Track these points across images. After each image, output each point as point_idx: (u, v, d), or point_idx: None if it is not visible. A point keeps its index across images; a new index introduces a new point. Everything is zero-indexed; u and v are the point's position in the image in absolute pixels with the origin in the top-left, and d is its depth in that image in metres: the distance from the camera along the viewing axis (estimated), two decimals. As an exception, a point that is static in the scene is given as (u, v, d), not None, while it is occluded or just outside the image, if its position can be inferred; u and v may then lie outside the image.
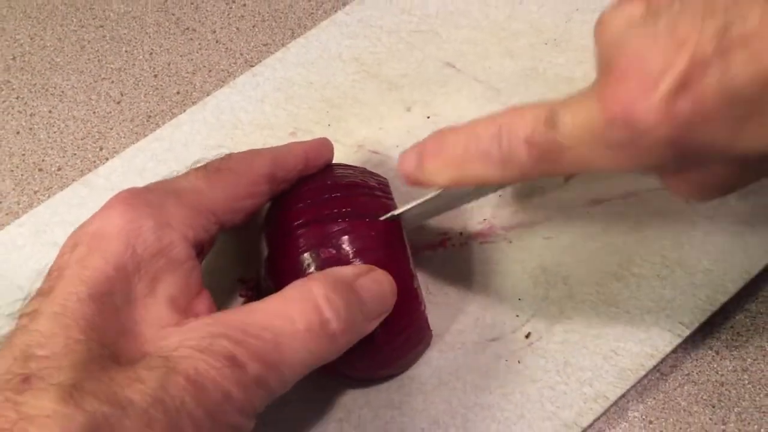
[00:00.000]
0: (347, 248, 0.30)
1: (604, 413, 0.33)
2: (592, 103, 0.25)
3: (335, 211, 0.30)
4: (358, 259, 0.30)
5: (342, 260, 0.29)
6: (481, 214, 0.38)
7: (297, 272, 0.30)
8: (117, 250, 0.26)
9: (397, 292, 0.30)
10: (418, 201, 0.32)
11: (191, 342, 0.25)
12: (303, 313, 0.26)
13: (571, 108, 0.25)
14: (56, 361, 0.24)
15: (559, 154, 0.26)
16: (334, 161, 0.35)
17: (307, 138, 0.35)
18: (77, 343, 0.24)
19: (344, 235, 0.30)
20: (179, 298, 0.28)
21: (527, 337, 0.34)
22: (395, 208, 0.32)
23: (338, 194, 0.31)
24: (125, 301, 0.26)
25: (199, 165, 0.32)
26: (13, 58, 0.46)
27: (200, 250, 0.30)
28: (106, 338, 0.25)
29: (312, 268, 0.29)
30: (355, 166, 0.34)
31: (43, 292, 0.26)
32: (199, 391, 0.24)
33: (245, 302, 0.35)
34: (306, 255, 0.30)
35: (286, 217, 0.31)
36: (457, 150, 0.29)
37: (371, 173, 0.34)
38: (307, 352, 0.26)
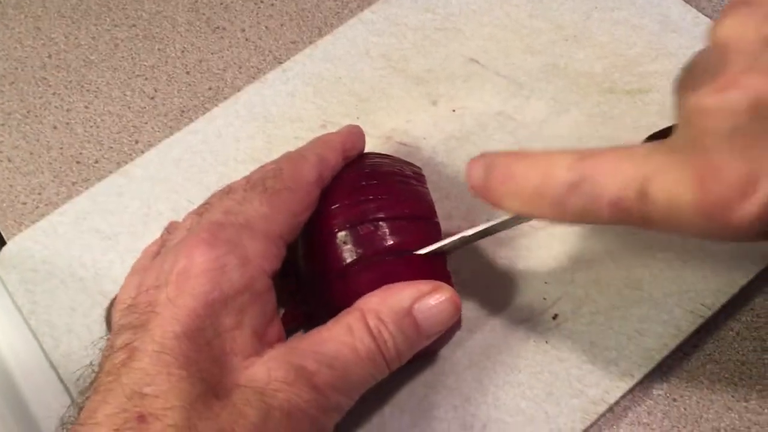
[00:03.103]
0: (384, 226, 0.31)
1: (630, 391, 0.34)
2: (687, 187, 0.24)
3: (371, 197, 0.32)
4: (395, 237, 0.31)
5: (378, 238, 0.31)
6: (507, 202, 0.39)
7: (334, 250, 0.31)
8: (204, 289, 0.27)
9: (459, 307, 0.30)
10: (463, 234, 0.32)
11: (279, 374, 0.27)
12: (363, 342, 0.29)
13: (664, 183, 0.24)
14: (166, 400, 0.25)
15: (643, 222, 0.25)
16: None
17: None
18: (181, 381, 0.26)
19: (380, 212, 0.31)
20: (260, 328, 0.29)
21: (554, 318, 0.36)
22: (430, 196, 0.33)
23: (375, 181, 0.32)
24: (214, 335, 0.27)
25: (251, 181, 0.32)
26: (49, 56, 0.47)
27: (274, 276, 0.31)
28: (202, 372, 0.26)
29: (349, 245, 0.31)
30: (390, 155, 0.36)
31: (133, 326, 0.27)
32: (293, 422, 0.27)
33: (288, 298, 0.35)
34: (343, 233, 0.31)
35: (324, 203, 0.32)
36: (529, 184, 0.27)
37: (406, 162, 0.35)
38: (370, 376, 0.29)
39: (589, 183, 0.26)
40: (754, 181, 0.22)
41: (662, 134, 0.31)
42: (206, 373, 0.26)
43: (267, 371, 0.27)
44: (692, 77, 0.26)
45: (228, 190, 0.32)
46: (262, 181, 0.32)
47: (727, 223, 0.23)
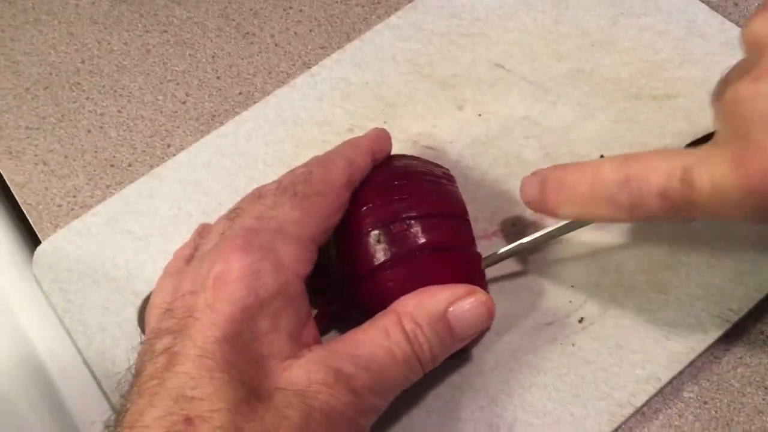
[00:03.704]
0: (416, 224, 0.31)
1: (656, 394, 0.34)
2: (729, 168, 0.26)
3: (403, 196, 0.32)
4: (428, 234, 0.31)
5: (411, 235, 0.31)
6: (533, 206, 0.39)
7: (367, 249, 0.31)
8: (241, 294, 0.28)
9: (493, 312, 0.31)
10: (515, 244, 0.35)
11: (318, 377, 0.28)
12: (399, 346, 0.29)
13: (707, 169, 0.27)
14: (212, 403, 0.26)
15: (692, 209, 0.28)
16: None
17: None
18: (224, 384, 0.26)
19: (413, 210, 0.31)
20: (295, 330, 0.30)
21: (580, 321, 0.36)
22: (460, 195, 0.34)
23: (406, 181, 0.33)
24: (252, 339, 0.28)
25: (281, 186, 0.32)
26: (82, 62, 0.48)
27: (306, 279, 0.31)
28: (243, 375, 0.27)
29: (382, 243, 0.31)
30: (418, 157, 0.36)
31: (172, 331, 0.28)
32: (332, 424, 0.28)
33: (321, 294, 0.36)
34: (375, 232, 0.31)
35: (355, 204, 0.33)
36: (581, 190, 0.31)
37: (434, 163, 0.35)
38: (404, 378, 0.30)
39: (636, 179, 0.29)
40: None
41: (701, 141, 0.32)
42: (246, 376, 0.27)
43: (306, 374, 0.28)
44: (727, 83, 0.28)
45: (258, 195, 0.33)
46: (292, 186, 0.32)
47: None
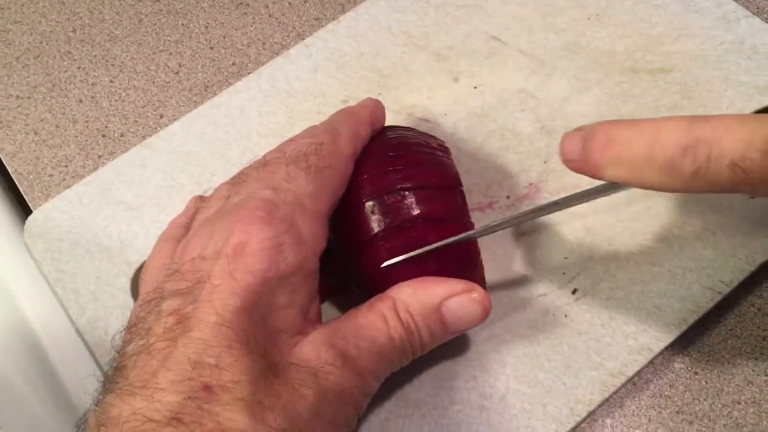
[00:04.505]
0: (410, 195, 0.31)
1: (648, 364, 0.34)
2: None
3: (398, 168, 0.32)
4: (422, 206, 0.31)
5: (405, 206, 0.31)
6: (528, 179, 0.39)
7: (363, 220, 0.31)
8: (262, 267, 0.28)
9: (488, 310, 0.31)
10: (534, 207, 0.32)
11: (328, 357, 0.28)
12: (396, 332, 0.30)
13: None
14: (232, 374, 0.25)
15: (762, 183, 0.25)
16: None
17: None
18: (243, 355, 0.26)
19: (407, 181, 0.31)
20: (306, 306, 0.30)
21: (573, 293, 0.36)
22: (455, 167, 0.34)
23: (401, 152, 0.33)
24: (268, 312, 0.28)
25: (291, 156, 0.32)
26: (74, 31, 0.48)
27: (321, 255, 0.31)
28: (259, 348, 0.27)
29: (377, 214, 0.31)
30: (414, 128, 0.36)
31: (181, 293, 0.28)
32: (342, 404, 0.28)
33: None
34: (370, 203, 0.31)
35: (352, 175, 0.33)
36: (636, 150, 0.27)
37: (429, 135, 0.35)
38: (398, 363, 0.31)
39: (707, 144, 0.25)
40: None
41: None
42: (262, 349, 0.27)
43: (316, 352, 0.28)
44: None
45: (264, 163, 0.32)
46: (304, 158, 0.32)
47: None
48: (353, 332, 0.29)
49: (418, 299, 0.30)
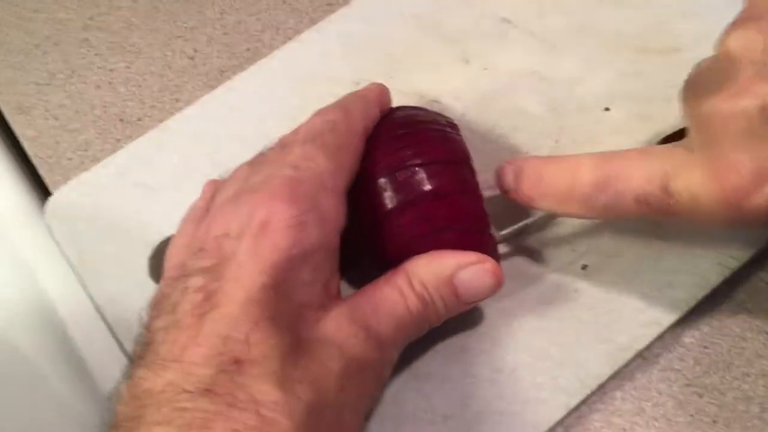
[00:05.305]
0: (421, 171, 0.32)
1: (658, 338, 0.35)
2: (707, 180, 0.27)
3: (408, 144, 0.32)
4: (433, 181, 0.32)
5: (417, 182, 0.32)
6: (538, 158, 0.40)
7: (375, 197, 0.32)
8: (287, 244, 0.28)
9: (500, 280, 0.32)
10: (521, 224, 0.36)
11: (351, 330, 0.29)
12: (414, 303, 0.31)
13: (685, 178, 0.28)
14: (261, 349, 0.26)
15: (669, 215, 0.29)
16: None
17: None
18: (272, 331, 0.27)
19: (418, 158, 0.32)
20: (328, 282, 0.30)
21: (583, 269, 0.36)
22: (464, 143, 0.34)
23: (411, 130, 0.33)
24: (292, 288, 0.28)
25: (307, 136, 0.32)
26: (91, 18, 0.49)
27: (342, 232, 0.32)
28: (285, 323, 0.27)
29: (389, 191, 0.32)
30: (423, 108, 0.36)
31: (207, 270, 0.28)
32: (366, 376, 0.29)
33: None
34: (382, 180, 0.32)
35: (363, 153, 0.33)
36: (557, 188, 0.31)
37: (438, 113, 0.36)
38: (415, 333, 0.32)
39: (614, 181, 0.29)
40: (765, 175, 0.26)
41: (672, 138, 0.33)
42: (289, 324, 0.28)
43: (339, 327, 0.29)
44: (701, 85, 0.29)
45: (282, 145, 0.33)
46: (320, 136, 0.32)
47: (743, 210, 0.27)
48: (372, 306, 0.30)
49: (432, 271, 0.31)
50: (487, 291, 0.32)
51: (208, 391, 0.25)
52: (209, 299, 0.27)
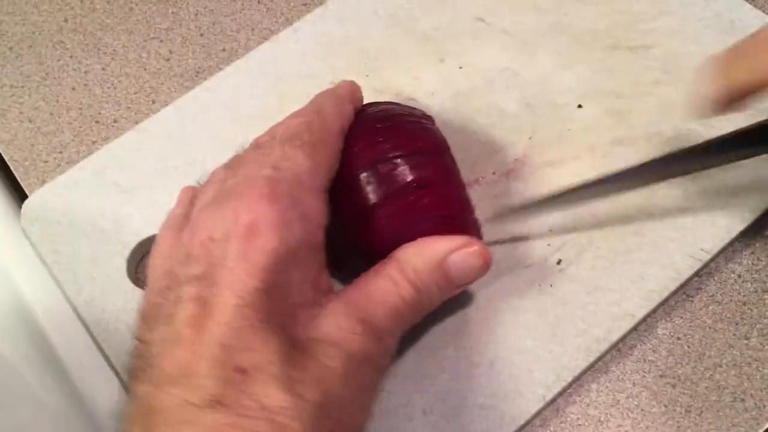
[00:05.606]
0: (402, 163, 0.32)
1: (631, 330, 0.35)
2: None
3: (387, 138, 0.33)
4: (415, 172, 0.32)
5: (399, 174, 0.32)
6: (513, 154, 0.40)
7: (358, 191, 0.32)
8: (274, 245, 0.28)
9: (489, 261, 0.32)
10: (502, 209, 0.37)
11: (348, 326, 0.29)
12: (408, 291, 0.31)
13: None
14: (262, 354, 0.26)
15: None
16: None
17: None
18: (269, 335, 0.27)
19: (398, 150, 0.32)
20: (317, 279, 0.30)
21: (558, 263, 0.37)
22: (441, 135, 0.34)
23: (389, 123, 0.34)
24: (284, 289, 0.28)
25: (283, 136, 0.32)
26: (65, 20, 0.49)
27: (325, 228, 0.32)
28: (281, 324, 0.27)
29: (372, 185, 0.32)
30: (397, 102, 0.37)
31: (197, 278, 0.28)
32: (367, 369, 0.29)
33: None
34: (364, 174, 0.32)
35: (343, 149, 0.34)
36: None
37: (412, 107, 0.36)
38: (411, 320, 0.32)
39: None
40: None
41: None
42: (283, 326, 0.28)
43: (335, 323, 0.29)
44: None
45: (257, 146, 0.33)
46: (298, 136, 0.32)
47: None
48: (366, 298, 0.30)
49: (423, 257, 0.31)
50: (478, 272, 0.32)
51: (216, 403, 0.25)
52: (204, 308, 0.27)
